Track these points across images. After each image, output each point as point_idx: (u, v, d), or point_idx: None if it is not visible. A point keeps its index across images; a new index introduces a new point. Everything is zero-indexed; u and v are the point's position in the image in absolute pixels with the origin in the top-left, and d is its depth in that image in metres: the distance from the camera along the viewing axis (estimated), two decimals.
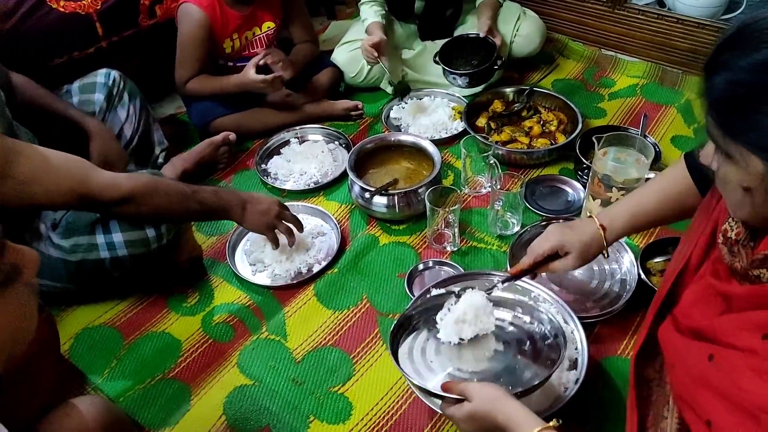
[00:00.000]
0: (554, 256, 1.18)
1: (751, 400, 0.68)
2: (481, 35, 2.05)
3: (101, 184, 1.29)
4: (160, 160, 1.85)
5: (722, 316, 0.79)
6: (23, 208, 1.24)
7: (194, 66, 1.95)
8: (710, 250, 0.89)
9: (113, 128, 1.72)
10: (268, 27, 2.03)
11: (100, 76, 1.73)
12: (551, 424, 0.86)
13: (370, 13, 2.13)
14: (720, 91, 0.69)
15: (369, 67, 2.16)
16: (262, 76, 1.89)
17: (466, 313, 1.14)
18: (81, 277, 1.42)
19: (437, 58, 2.06)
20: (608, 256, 1.20)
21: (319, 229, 1.71)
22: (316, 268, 1.59)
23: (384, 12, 2.15)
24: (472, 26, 2.21)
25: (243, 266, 1.62)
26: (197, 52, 1.93)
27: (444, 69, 2.03)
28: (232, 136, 1.95)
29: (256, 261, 1.62)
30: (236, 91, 1.95)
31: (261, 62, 1.90)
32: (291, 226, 1.55)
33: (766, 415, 0.66)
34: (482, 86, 2.10)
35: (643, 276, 1.43)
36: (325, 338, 1.43)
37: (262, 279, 1.58)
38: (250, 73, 1.89)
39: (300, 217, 1.64)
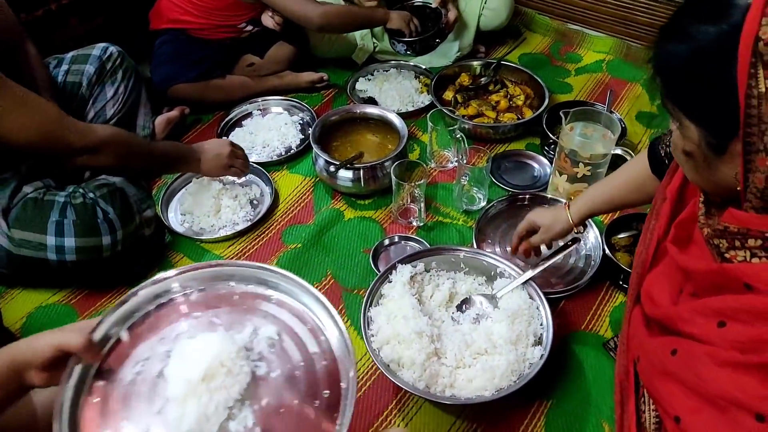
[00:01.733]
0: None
1: (713, 390, 0.67)
2: (433, 5, 1.99)
3: (76, 128, 1.28)
4: None
5: (681, 304, 0.78)
6: None
7: None
8: (675, 216, 0.88)
9: (97, 104, 1.65)
10: None
11: (97, 49, 1.66)
12: None
13: None
14: (670, 56, 0.67)
15: (335, 36, 2.11)
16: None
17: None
18: (21, 268, 1.36)
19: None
20: (581, 231, 1.30)
21: (258, 195, 1.71)
22: (238, 228, 1.60)
23: None
24: None
25: (175, 219, 1.66)
26: None
27: (387, 34, 1.97)
28: (187, 110, 1.91)
29: (186, 212, 1.65)
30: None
31: None
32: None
33: (727, 403, 0.65)
34: (428, 55, 2.05)
35: (607, 251, 1.44)
36: None
37: (188, 232, 1.61)
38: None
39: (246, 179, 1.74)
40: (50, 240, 1.32)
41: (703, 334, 0.70)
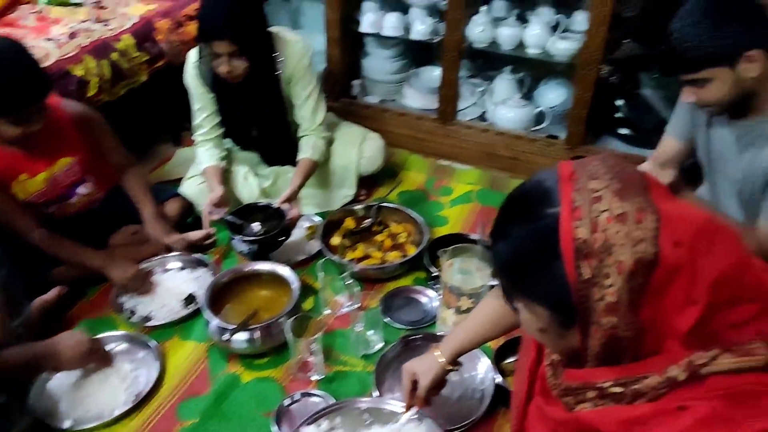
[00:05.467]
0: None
1: None
2: (275, 205, 1.97)
3: None
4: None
5: None
6: None
7: (15, 216, 1.72)
8: (537, 368, 0.97)
9: None
10: (66, 163, 1.82)
11: None
12: None
13: (206, 157, 2.08)
14: (504, 256, 0.77)
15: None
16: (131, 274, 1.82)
17: None
18: None
19: (229, 218, 1.93)
20: (456, 369, 1.29)
21: (146, 372, 1.63)
22: (121, 410, 1.51)
23: (221, 152, 2.11)
24: None
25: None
26: None
27: (230, 233, 1.95)
28: (65, 289, 1.82)
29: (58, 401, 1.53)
30: (94, 268, 1.82)
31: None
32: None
33: None
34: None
35: (498, 379, 1.51)
36: None
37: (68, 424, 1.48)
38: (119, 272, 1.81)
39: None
40: None
41: None
